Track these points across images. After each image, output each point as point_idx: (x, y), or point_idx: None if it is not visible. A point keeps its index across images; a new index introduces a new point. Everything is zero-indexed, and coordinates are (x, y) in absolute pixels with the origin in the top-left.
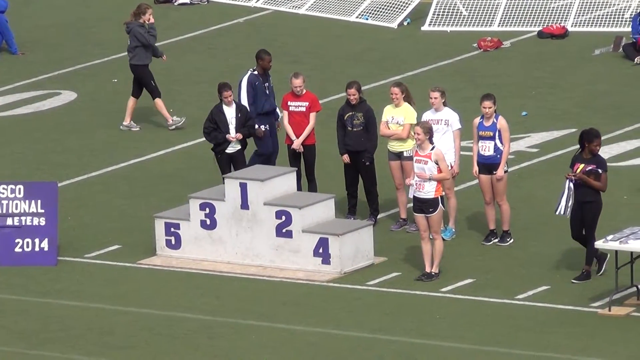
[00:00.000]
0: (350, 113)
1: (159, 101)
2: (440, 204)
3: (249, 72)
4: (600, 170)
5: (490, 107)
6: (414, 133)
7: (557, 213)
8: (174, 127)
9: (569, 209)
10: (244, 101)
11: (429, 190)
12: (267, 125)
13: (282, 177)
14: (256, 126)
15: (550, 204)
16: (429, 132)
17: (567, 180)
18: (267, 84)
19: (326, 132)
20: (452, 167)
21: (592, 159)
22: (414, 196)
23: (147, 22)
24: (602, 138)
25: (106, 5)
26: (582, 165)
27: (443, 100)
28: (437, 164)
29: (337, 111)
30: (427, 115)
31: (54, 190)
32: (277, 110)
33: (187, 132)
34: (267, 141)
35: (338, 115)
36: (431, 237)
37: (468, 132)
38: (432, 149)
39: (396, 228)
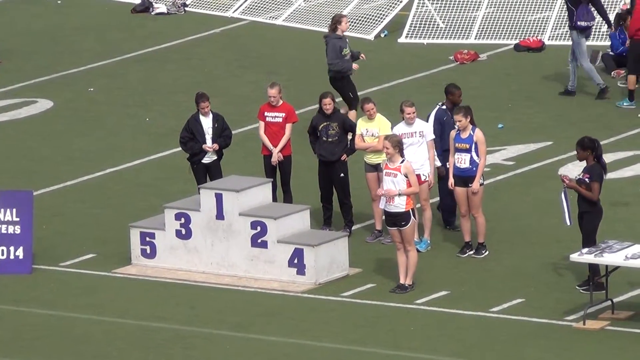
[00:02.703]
0: (325, 123)
1: (353, 113)
2: (412, 216)
3: (437, 107)
4: (587, 180)
5: (460, 121)
6: (384, 147)
7: (567, 223)
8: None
9: (571, 218)
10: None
11: (399, 204)
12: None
13: (258, 188)
14: (439, 164)
15: (526, 216)
16: (398, 145)
17: (561, 190)
18: None
19: (302, 143)
20: (428, 177)
21: (588, 168)
22: (385, 210)
23: (344, 32)
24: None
25: (82, 14)
26: (579, 175)
27: None
28: (406, 177)
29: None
30: (400, 128)
31: (29, 198)
32: None
33: (163, 141)
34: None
35: (311, 126)
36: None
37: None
38: (402, 162)
39: (371, 240)
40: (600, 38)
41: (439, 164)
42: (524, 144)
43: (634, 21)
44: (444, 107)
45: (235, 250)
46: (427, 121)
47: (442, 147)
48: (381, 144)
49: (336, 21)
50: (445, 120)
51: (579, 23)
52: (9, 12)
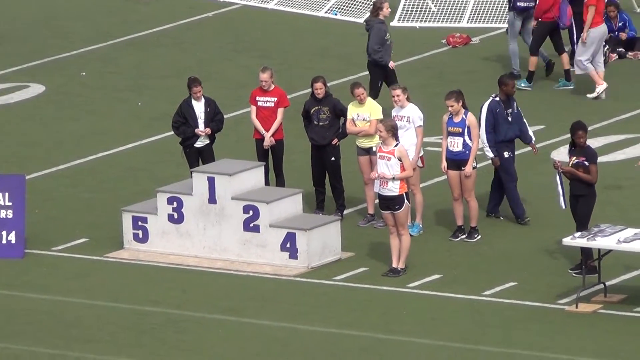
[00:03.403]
0: (317, 107)
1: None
2: (406, 200)
3: (491, 99)
4: (587, 163)
5: (452, 106)
6: (378, 130)
7: (562, 207)
8: None
9: (566, 201)
10: (482, 129)
11: (393, 187)
12: (510, 153)
13: (250, 172)
14: (491, 155)
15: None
16: (391, 129)
17: (555, 174)
18: (509, 110)
19: (294, 127)
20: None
21: (581, 152)
22: (379, 194)
23: (386, 17)
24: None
25: None
26: (574, 159)
27: (406, 96)
28: (400, 160)
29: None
30: (393, 111)
31: (22, 183)
32: (530, 133)
33: (155, 125)
34: (510, 170)
35: (304, 110)
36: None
37: (437, 128)
38: (396, 145)
39: (363, 224)
40: None
41: (506, 155)
42: None
43: (541, 3)
44: (497, 98)
45: (227, 234)
46: (480, 112)
47: (495, 139)
48: (372, 128)
49: (378, 7)
50: (498, 112)
51: (518, 4)
52: None
